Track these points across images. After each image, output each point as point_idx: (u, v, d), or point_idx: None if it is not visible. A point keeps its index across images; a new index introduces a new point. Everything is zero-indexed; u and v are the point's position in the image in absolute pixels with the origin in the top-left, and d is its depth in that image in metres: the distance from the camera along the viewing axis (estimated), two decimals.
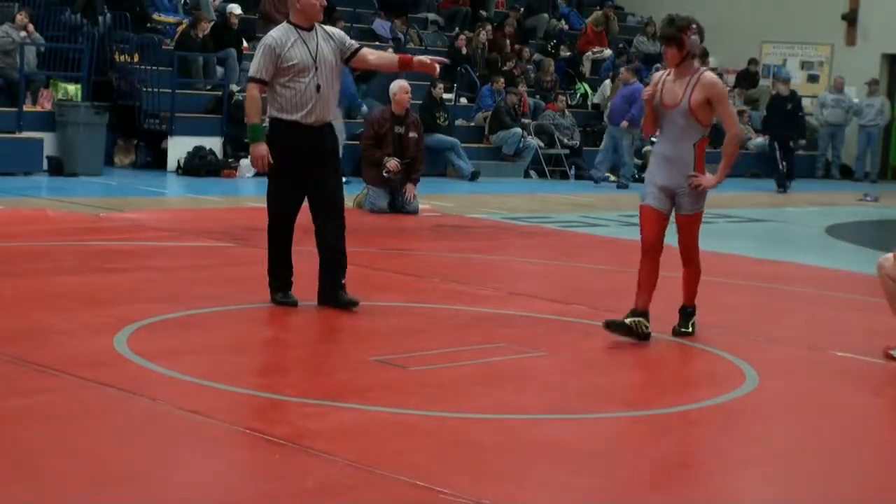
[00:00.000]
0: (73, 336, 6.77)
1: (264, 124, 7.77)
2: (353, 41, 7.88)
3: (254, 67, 7.66)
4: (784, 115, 20.53)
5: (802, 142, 22.84)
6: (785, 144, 20.71)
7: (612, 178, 20.73)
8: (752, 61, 26.32)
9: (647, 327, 7.33)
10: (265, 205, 7.85)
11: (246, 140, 19.04)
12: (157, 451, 4.97)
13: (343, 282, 7.80)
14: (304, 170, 7.70)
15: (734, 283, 10.35)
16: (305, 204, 7.85)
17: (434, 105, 18.87)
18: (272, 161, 7.67)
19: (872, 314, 9.13)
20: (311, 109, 7.61)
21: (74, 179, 15.60)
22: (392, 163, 13.57)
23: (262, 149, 7.67)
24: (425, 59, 7.77)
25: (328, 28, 7.90)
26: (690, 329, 7.67)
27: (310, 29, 7.68)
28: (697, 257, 7.68)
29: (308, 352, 7.11)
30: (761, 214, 16.67)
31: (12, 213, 11.84)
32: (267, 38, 7.71)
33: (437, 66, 7.71)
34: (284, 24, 7.72)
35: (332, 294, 7.77)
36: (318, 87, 7.60)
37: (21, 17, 17.03)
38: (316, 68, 7.59)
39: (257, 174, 17.14)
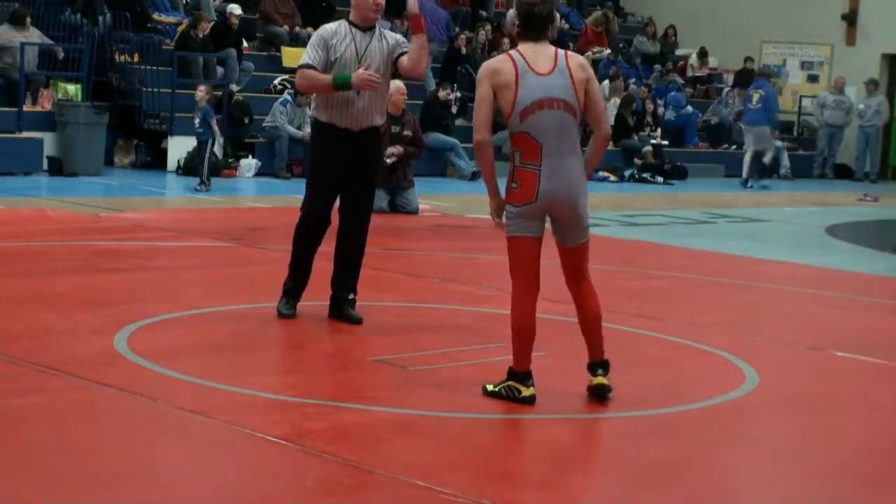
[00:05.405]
0: (73, 336, 6.77)
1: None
2: (405, 47, 7.36)
3: (304, 56, 7.29)
4: None
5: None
6: None
7: (612, 178, 20.74)
8: (748, 59, 26.29)
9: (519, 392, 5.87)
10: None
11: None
12: (157, 451, 4.97)
13: (353, 297, 7.50)
14: (342, 177, 7.35)
15: (734, 283, 10.35)
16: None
17: (440, 106, 18.98)
18: (314, 161, 7.43)
19: (872, 314, 9.14)
20: (346, 112, 7.26)
21: (74, 179, 15.60)
22: (392, 148, 13.64)
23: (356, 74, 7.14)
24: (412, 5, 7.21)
25: (388, 33, 7.51)
26: None
27: (366, 30, 7.35)
28: None
29: (308, 352, 7.11)
30: (761, 214, 16.66)
31: (12, 213, 11.84)
32: (320, 28, 7.43)
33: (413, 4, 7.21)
34: (342, 20, 7.43)
35: (339, 308, 7.51)
36: (357, 91, 7.21)
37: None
38: (358, 69, 7.18)
39: (257, 174, 17.40)
